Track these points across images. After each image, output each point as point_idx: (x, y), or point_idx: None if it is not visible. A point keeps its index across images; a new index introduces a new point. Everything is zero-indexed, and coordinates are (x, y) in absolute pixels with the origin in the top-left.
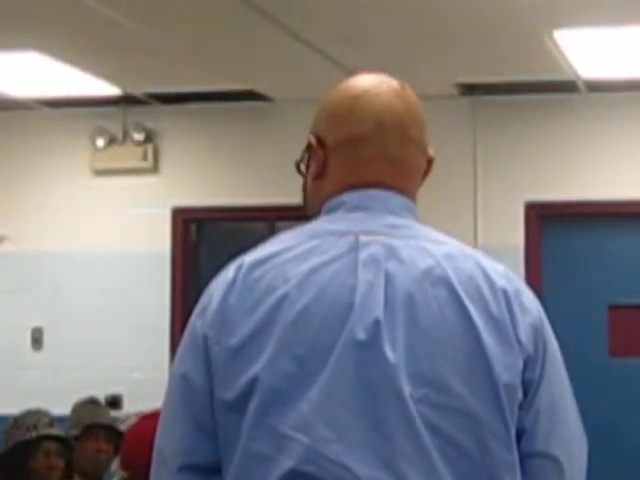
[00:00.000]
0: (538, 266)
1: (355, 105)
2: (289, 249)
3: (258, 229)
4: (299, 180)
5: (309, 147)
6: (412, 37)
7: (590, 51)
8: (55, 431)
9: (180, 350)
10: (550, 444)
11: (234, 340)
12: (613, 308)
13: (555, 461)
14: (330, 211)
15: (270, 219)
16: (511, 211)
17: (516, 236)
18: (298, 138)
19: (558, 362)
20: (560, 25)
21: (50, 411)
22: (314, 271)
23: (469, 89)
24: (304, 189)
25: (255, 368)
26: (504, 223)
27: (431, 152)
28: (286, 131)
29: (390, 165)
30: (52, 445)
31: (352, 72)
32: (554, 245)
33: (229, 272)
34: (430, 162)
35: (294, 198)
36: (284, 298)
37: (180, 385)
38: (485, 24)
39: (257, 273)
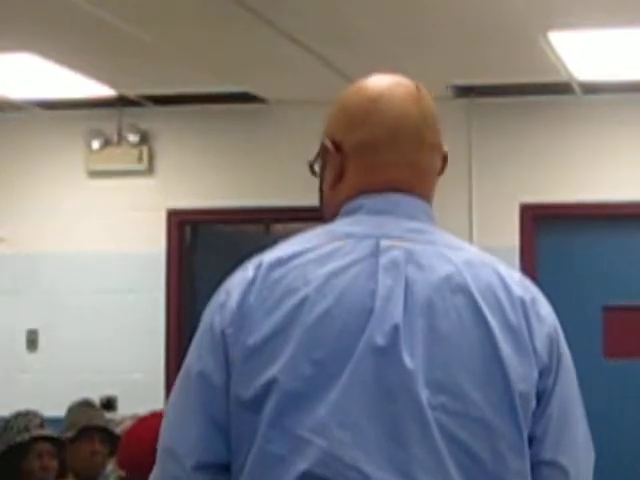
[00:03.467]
0: (533, 268)
1: (373, 109)
2: (310, 250)
3: (253, 231)
4: (294, 181)
5: (324, 149)
6: (406, 39)
7: (585, 53)
8: (46, 431)
9: (196, 347)
10: (559, 453)
11: (253, 340)
12: (608, 309)
13: (563, 470)
14: (349, 213)
15: (265, 221)
16: (506, 213)
17: (511, 238)
18: (292, 139)
19: (571, 371)
20: (555, 27)
21: (42, 413)
22: (334, 274)
23: (464, 91)
24: (320, 191)
25: (273, 369)
26: (499, 225)
27: (445, 149)
28: (281, 132)
29: (408, 169)
30: (45, 446)
31: (346, 74)
32: (549, 246)
33: (248, 271)
34: (445, 158)
35: (289, 200)
36: (304, 300)
37: (197, 383)
38: (480, 26)
39: (277, 273)
